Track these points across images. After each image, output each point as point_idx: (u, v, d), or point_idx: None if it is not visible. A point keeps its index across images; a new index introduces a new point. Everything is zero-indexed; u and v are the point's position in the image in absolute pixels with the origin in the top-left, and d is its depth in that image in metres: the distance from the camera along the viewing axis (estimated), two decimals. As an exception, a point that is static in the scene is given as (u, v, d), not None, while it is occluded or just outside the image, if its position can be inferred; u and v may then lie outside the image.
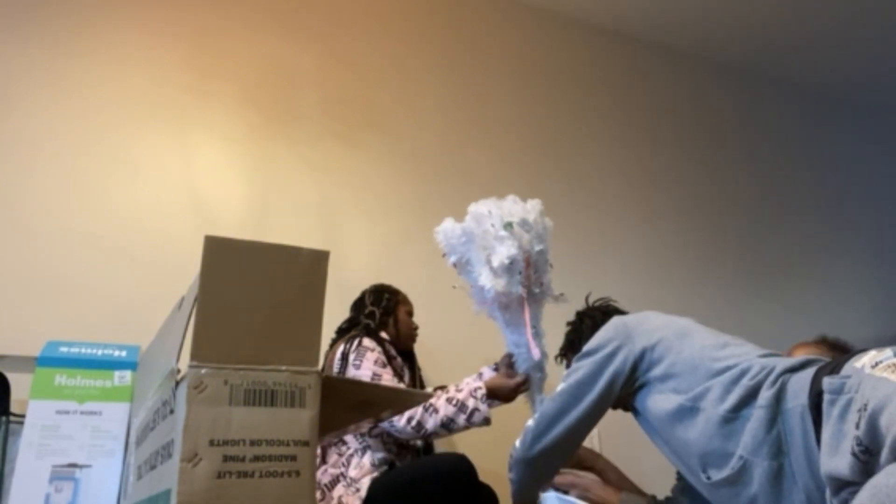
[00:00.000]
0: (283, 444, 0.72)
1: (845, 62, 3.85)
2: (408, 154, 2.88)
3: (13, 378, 1.69)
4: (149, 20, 2.58)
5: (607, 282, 2.34)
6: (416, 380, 2.22)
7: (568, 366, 1.61)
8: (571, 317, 1.76)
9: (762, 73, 3.92)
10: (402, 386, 1.96)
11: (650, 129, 3.51)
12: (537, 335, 1.72)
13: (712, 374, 1.25)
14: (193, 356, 0.72)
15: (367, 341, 1.98)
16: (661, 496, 1.58)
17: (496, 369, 1.86)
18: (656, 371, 1.34)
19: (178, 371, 0.77)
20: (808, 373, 1.13)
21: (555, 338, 1.77)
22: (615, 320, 1.45)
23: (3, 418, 1.58)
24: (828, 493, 0.99)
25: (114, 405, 1.15)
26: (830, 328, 2.13)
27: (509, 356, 1.79)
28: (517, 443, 1.46)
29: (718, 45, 3.71)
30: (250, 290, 0.76)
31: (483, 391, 1.81)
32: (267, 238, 0.79)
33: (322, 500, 1.84)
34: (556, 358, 1.79)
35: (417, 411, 1.81)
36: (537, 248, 1.67)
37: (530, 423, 1.45)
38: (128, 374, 1.18)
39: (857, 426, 0.91)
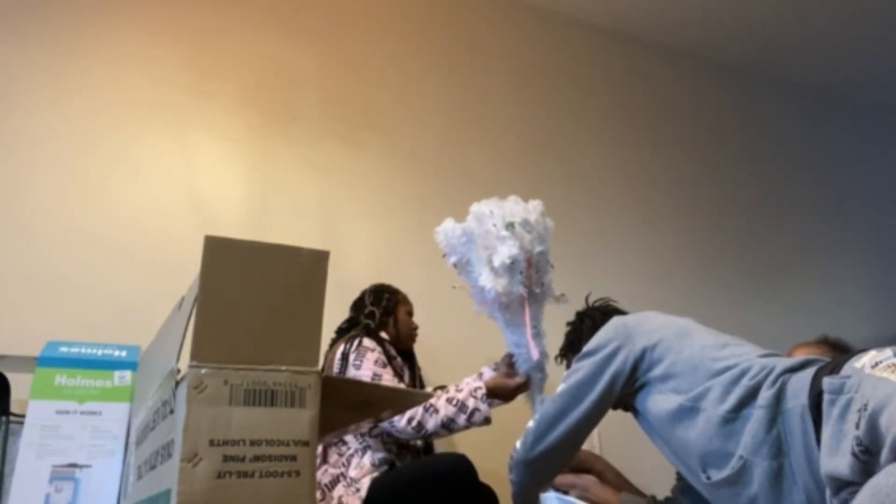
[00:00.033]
0: (283, 444, 0.72)
1: (845, 62, 3.85)
2: (408, 154, 2.88)
3: (13, 378, 1.69)
4: (149, 20, 2.58)
5: (607, 282, 2.34)
6: (416, 380, 2.22)
7: (568, 366, 1.61)
8: (571, 317, 1.76)
9: (762, 73, 3.92)
10: (402, 386, 1.96)
11: (650, 129, 3.51)
12: (538, 335, 1.72)
13: (712, 374, 1.25)
14: (193, 356, 0.72)
15: (367, 341, 1.98)
16: (661, 496, 1.58)
17: (496, 369, 1.86)
18: (656, 371, 1.34)
19: (178, 371, 0.77)
20: (808, 373, 1.13)
21: (555, 338, 1.77)
22: (615, 320, 1.45)
23: (3, 418, 1.58)
24: (828, 493, 0.99)
25: (114, 405, 1.15)
26: (830, 328, 2.13)
27: (510, 356, 1.79)
28: (517, 444, 1.46)
29: (718, 45, 3.71)
30: (250, 290, 0.76)
31: (483, 391, 1.81)
32: (267, 238, 0.79)
33: (322, 499, 1.84)
34: (556, 358, 1.79)
35: (418, 412, 1.81)
36: (538, 248, 1.67)
37: (531, 424, 1.45)
38: (128, 374, 1.18)
39: (857, 426, 0.91)
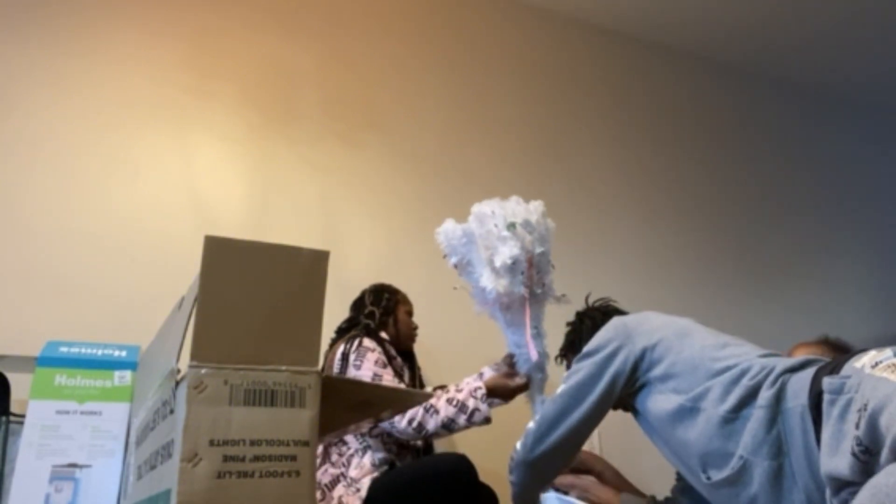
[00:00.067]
0: (283, 444, 0.72)
1: (845, 62, 3.85)
2: (408, 154, 2.88)
3: (13, 378, 1.69)
4: (149, 20, 2.58)
5: (607, 282, 2.34)
6: (416, 380, 2.22)
7: (568, 366, 1.61)
8: (572, 317, 1.76)
9: (762, 73, 3.92)
10: (402, 386, 1.96)
11: (650, 129, 3.51)
12: (538, 336, 1.72)
13: (712, 374, 1.25)
14: (193, 356, 0.72)
15: (367, 342, 1.98)
16: (660, 496, 1.58)
17: (497, 369, 1.86)
18: (656, 371, 1.34)
19: (178, 371, 0.77)
20: (808, 373, 1.13)
21: (556, 338, 1.77)
22: (615, 321, 1.45)
23: (3, 418, 1.57)
24: (828, 493, 0.99)
25: (114, 405, 1.15)
26: (830, 328, 2.13)
27: (510, 356, 1.79)
28: (518, 445, 1.46)
29: (718, 45, 3.71)
30: (250, 290, 0.76)
31: (483, 391, 1.81)
32: (267, 238, 0.78)
33: (322, 500, 1.84)
34: (556, 359, 1.79)
35: (418, 412, 1.81)
36: (539, 249, 1.67)
37: (531, 425, 1.45)
38: (128, 374, 1.18)
39: (857, 426, 0.91)
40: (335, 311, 2.14)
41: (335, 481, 1.88)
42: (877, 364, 0.96)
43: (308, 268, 0.78)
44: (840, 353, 1.69)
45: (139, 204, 2.38)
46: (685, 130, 3.62)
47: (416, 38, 3.08)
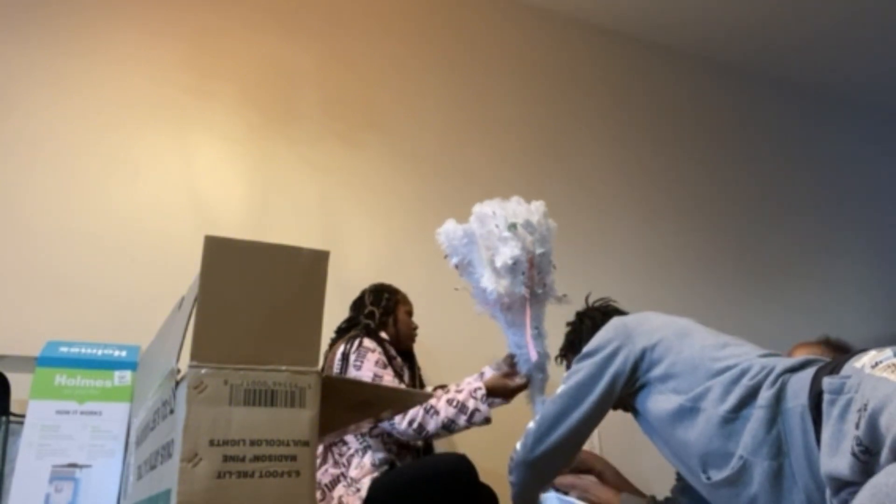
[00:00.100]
0: (283, 444, 0.72)
1: (845, 62, 3.85)
2: (408, 154, 2.88)
3: (13, 378, 1.69)
4: (149, 20, 2.58)
5: (607, 282, 2.34)
6: (416, 380, 2.22)
7: (568, 366, 1.61)
8: (572, 317, 1.76)
9: (762, 73, 3.92)
10: (402, 386, 1.96)
11: (650, 129, 3.51)
12: (539, 336, 1.72)
13: (712, 374, 1.25)
14: (193, 356, 0.72)
15: (367, 342, 1.98)
16: (660, 496, 1.58)
17: (498, 369, 1.86)
18: (656, 371, 1.34)
19: (178, 371, 0.77)
20: (808, 373, 1.13)
21: (556, 338, 1.77)
22: (615, 321, 1.45)
23: (3, 418, 1.58)
24: (828, 493, 0.99)
25: (114, 405, 1.15)
26: (830, 328, 2.13)
27: (511, 357, 1.79)
28: (518, 445, 1.46)
29: (718, 45, 3.71)
30: (250, 290, 0.76)
31: (483, 391, 1.81)
32: (267, 238, 0.78)
33: (322, 500, 1.84)
34: (556, 359, 1.79)
35: (418, 413, 1.81)
36: (540, 249, 1.67)
37: (531, 425, 1.45)
38: (128, 374, 1.18)
39: (857, 426, 0.91)
40: (335, 311, 2.14)
41: (335, 481, 1.88)
42: (877, 364, 0.96)
43: (308, 268, 0.78)
44: (840, 353, 1.69)
45: (139, 204, 2.38)
46: (685, 130, 3.62)
47: (416, 38, 3.08)
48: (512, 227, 1.64)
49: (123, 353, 1.20)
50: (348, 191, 2.72)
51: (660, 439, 1.36)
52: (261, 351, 0.74)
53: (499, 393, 1.82)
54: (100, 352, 1.19)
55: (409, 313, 2.26)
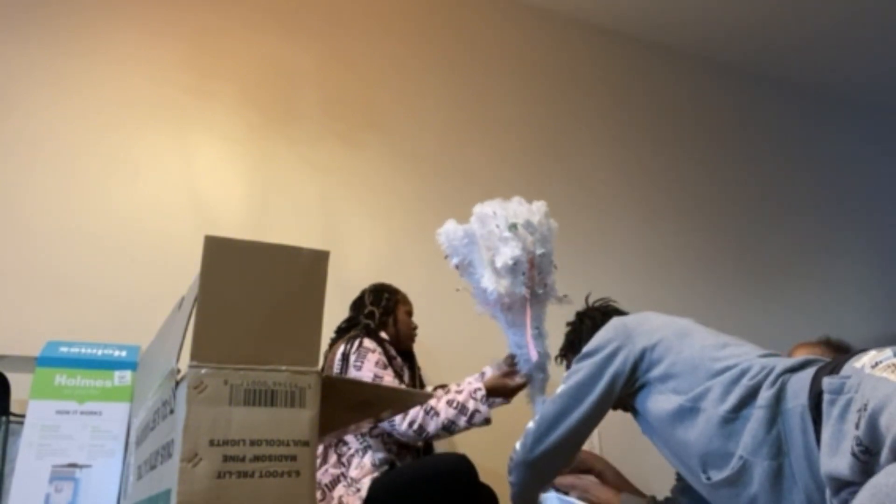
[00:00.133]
0: (283, 444, 0.72)
1: (845, 62, 3.85)
2: (408, 154, 2.88)
3: (13, 378, 1.69)
4: (149, 20, 2.58)
5: (607, 282, 2.34)
6: (416, 380, 2.22)
7: (568, 366, 1.61)
8: (572, 317, 1.76)
9: (762, 73, 3.92)
10: (402, 387, 1.96)
11: (650, 129, 3.51)
12: (539, 336, 1.72)
13: (712, 374, 1.25)
14: (193, 356, 0.72)
15: (367, 342, 1.97)
16: (660, 496, 1.58)
17: (499, 368, 1.86)
18: (656, 371, 1.34)
19: (178, 371, 0.77)
20: (808, 373, 1.13)
21: (556, 339, 1.77)
22: (615, 321, 1.45)
23: (3, 418, 1.58)
24: (828, 493, 0.99)
25: (114, 405, 1.15)
26: (830, 328, 2.13)
27: (512, 357, 1.79)
28: (517, 445, 1.46)
29: (718, 45, 3.71)
30: (250, 290, 0.76)
31: (483, 392, 1.81)
32: (267, 238, 0.78)
33: (322, 500, 1.84)
34: (556, 359, 1.79)
35: (419, 415, 1.81)
36: (541, 250, 1.67)
37: (531, 425, 1.45)
38: (128, 374, 1.18)
39: (857, 426, 0.91)
40: (335, 311, 2.14)
41: (335, 481, 1.88)
42: (877, 364, 0.96)
43: (308, 268, 0.78)
44: (840, 353, 1.69)
45: (139, 204, 2.38)
46: (685, 130, 3.62)
47: (416, 38, 3.08)
48: (513, 227, 1.64)
49: (123, 353, 1.20)
50: (348, 191, 2.72)
51: (659, 439, 1.36)
52: (261, 351, 0.74)
53: (499, 393, 1.82)
54: (100, 352, 1.19)
55: (409, 313, 2.25)
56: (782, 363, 1.20)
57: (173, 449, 0.72)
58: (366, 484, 1.83)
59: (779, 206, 3.75)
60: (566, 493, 1.57)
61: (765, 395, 1.15)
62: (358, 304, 2.20)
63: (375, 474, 1.86)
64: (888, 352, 0.97)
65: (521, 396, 1.82)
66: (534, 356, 1.69)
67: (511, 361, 1.80)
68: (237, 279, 0.75)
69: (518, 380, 1.78)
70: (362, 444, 1.91)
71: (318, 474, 1.89)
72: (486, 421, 1.82)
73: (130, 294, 2.23)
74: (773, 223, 3.68)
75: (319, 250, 0.79)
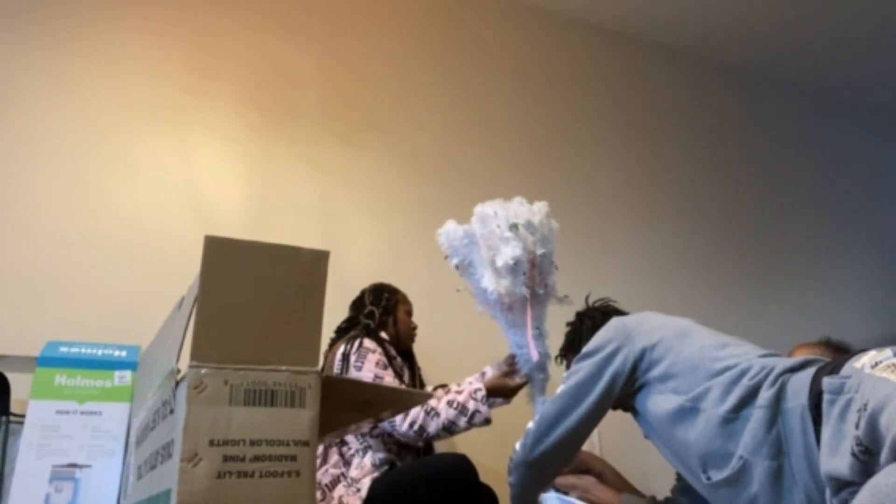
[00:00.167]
0: (283, 444, 0.72)
1: (845, 62, 3.85)
2: (408, 154, 2.88)
3: (13, 378, 1.68)
4: (149, 20, 2.58)
5: (607, 282, 2.34)
6: (416, 380, 2.22)
7: (568, 366, 1.61)
8: (572, 317, 1.76)
9: (762, 73, 3.92)
10: (402, 387, 1.96)
11: (650, 129, 3.51)
12: (540, 336, 1.72)
13: (712, 374, 1.25)
14: (193, 356, 0.72)
15: (368, 342, 1.97)
16: (660, 496, 1.58)
17: (499, 368, 1.86)
18: (656, 371, 1.34)
19: (178, 371, 0.77)
20: (808, 373, 1.13)
21: (557, 339, 1.77)
22: (614, 321, 1.45)
23: (3, 418, 1.57)
24: (828, 493, 0.99)
25: (114, 405, 1.15)
26: (831, 328, 2.13)
27: (512, 357, 1.79)
28: (517, 446, 1.46)
29: (718, 45, 3.71)
30: (250, 290, 0.76)
31: (483, 393, 1.82)
32: (267, 238, 0.78)
33: (323, 500, 1.84)
34: (556, 359, 1.79)
35: (419, 415, 1.81)
36: (541, 250, 1.67)
37: (531, 425, 1.45)
38: (128, 374, 1.18)
39: (857, 426, 0.91)
40: (335, 311, 2.14)
41: (335, 481, 1.88)
42: (877, 364, 0.96)
43: (308, 268, 0.78)
44: (840, 354, 1.69)
45: (139, 204, 2.37)
46: (685, 130, 3.62)
47: (416, 38, 3.08)
48: (514, 227, 1.64)
49: (123, 353, 1.20)
50: (348, 191, 2.72)
51: (659, 439, 1.36)
52: (261, 351, 0.74)
53: (499, 393, 1.82)
54: (100, 352, 1.19)
55: (409, 313, 2.26)
56: (782, 363, 1.20)
57: (173, 449, 0.72)
58: (366, 484, 1.83)
59: (779, 206, 3.75)
60: (566, 494, 1.57)
61: (765, 395, 1.15)
62: (358, 304, 2.20)
63: (375, 474, 1.86)
64: (888, 352, 0.97)
65: (522, 396, 1.82)
66: (535, 356, 1.69)
67: (511, 361, 1.80)
68: (237, 279, 0.75)
69: (518, 380, 1.79)
70: (362, 445, 1.91)
71: (319, 474, 1.89)
72: (487, 421, 1.82)
73: (130, 294, 2.23)
74: (773, 223, 3.68)
75: (319, 250, 0.79)
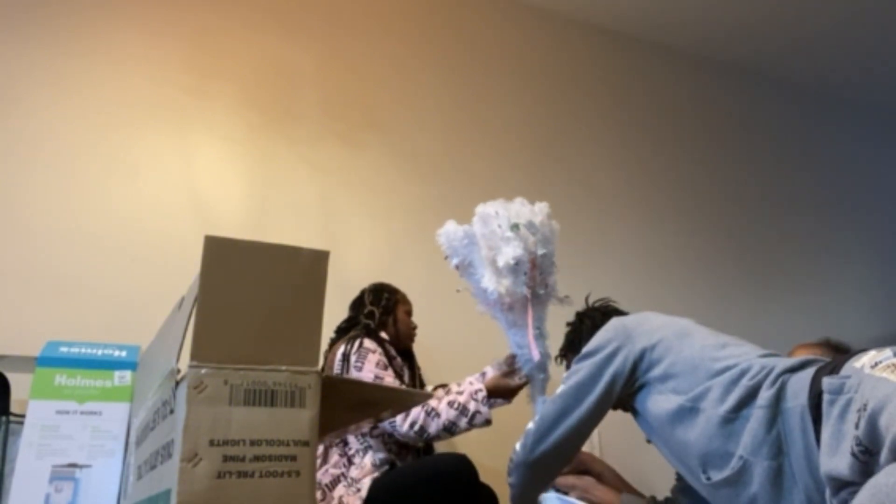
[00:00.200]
0: (283, 444, 0.72)
1: (845, 62, 3.85)
2: (408, 154, 2.88)
3: (13, 378, 1.69)
4: (149, 20, 2.58)
5: (607, 282, 2.34)
6: (416, 379, 2.22)
7: (568, 366, 1.61)
8: (572, 317, 1.76)
9: (762, 73, 3.92)
10: (402, 387, 1.96)
11: (650, 129, 3.51)
12: (540, 336, 1.72)
13: (712, 374, 1.25)
14: (193, 356, 0.72)
15: (368, 342, 1.97)
16: (660, 496, 1.58)
17: (499, 368, 1.86)
18: (656, 371, 1.34)
19: (178, 371, 0.77)
20: (808, 373, 1.13)
21: (557, 339, 1.77)
22: (614, 321, 1.45)
23: (3, 418, 1.57)
24: (827, 493, 0.99)
25: (114, 405, 1.15)
26: (831, 328, 2.13)
27: (512, 357, 1.79)
28: (517, 446, 1.46)
29: (718, 45, 3.71)
30: (250, 290, 0.76)
31: (483, 393, 1.81)
32: (267, 238, 0.78)
33: (323, 500, 1.84)
34: (556, 359, 1.79)
35: (420, 416, 1.81)
36: (542, 250, 1.67)
37: (531, 425, 1.45)
38: (128, 374, 1.18)
39: (857, 426, 0.91)
40: (335, 311, 2.14)
41: (336, 481, 1.88)
42: (876, 364, 0.96)
43: (308, 268, 0.78)
44: (840, 354, 1.69)
45: (139, 204, 2.38)
46: (685, 130, 3.62)
47: (416, 38, 3.08)
48: (514, 227, 1.64)
49: (123, 353, 1.20)
50: (348, 191, 2.72)
51: (659, 439, 1.36)
52: (261, 351, 0.74)
53: (500, 393, 1.82)
54: (100, 352, 1.19)
55: (409, 313, 2.25)
56: (782, 363, 1.20)
57: (173, 449, 0.72)
58: (366, 484, 1.83)
59: (779, 206, 3.75)
60: (566, 494, 1.56)
61: (765, 395, 1.15)
62: (358, 304, 2.20)
63: (376, 474, 1.86)
64: (888, 352, 0.97)
65: (522, 396, 1.82)
66: (536, 356, 1.69)
67: (512, 361, 1.80)
68: (237, 279, 0.75)
69: (519, 380, 1.78)
70: (363, 445, 1.91)
71: (319, 474, 1.89)
72: (487, 422, 1.82)
73: (130, 294, 2.23)
74: (773, 223, 3.68)
75: (319, 250, 0.79)
